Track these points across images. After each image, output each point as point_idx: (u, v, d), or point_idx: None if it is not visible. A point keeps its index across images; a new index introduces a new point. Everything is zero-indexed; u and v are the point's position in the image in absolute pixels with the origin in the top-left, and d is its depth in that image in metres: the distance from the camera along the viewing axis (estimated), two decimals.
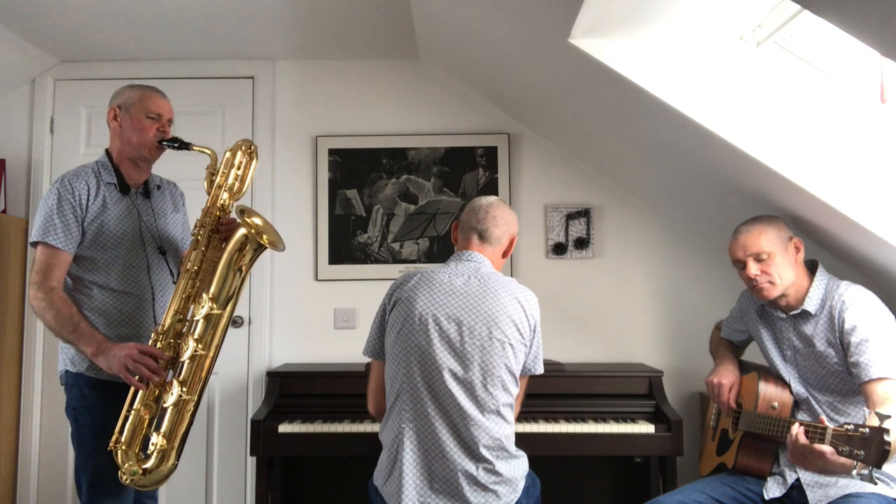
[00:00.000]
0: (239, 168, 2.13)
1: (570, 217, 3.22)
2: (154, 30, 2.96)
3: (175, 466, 1.96)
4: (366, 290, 3.19)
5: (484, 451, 1.82)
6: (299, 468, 3.01)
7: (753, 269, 1.99)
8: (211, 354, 1.98)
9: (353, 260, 3.24)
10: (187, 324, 1.99)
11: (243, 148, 2.14)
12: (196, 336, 1.95)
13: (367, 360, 2.04)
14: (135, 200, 2.16)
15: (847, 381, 1.93)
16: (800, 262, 2.03)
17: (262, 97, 3.29)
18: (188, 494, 3.15)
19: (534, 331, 1.96)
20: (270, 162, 3.26)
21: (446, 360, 1.84)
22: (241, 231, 1.99)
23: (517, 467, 1.90)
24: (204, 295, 1.96)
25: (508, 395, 1.89)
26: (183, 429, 1.95)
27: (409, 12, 2.77)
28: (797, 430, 1.65)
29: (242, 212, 2.03)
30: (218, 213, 2.07)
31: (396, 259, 3.23)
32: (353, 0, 2.71)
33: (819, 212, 2.16)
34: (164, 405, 1.92)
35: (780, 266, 1.98)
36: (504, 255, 2.07)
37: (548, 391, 2.70)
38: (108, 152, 2.19)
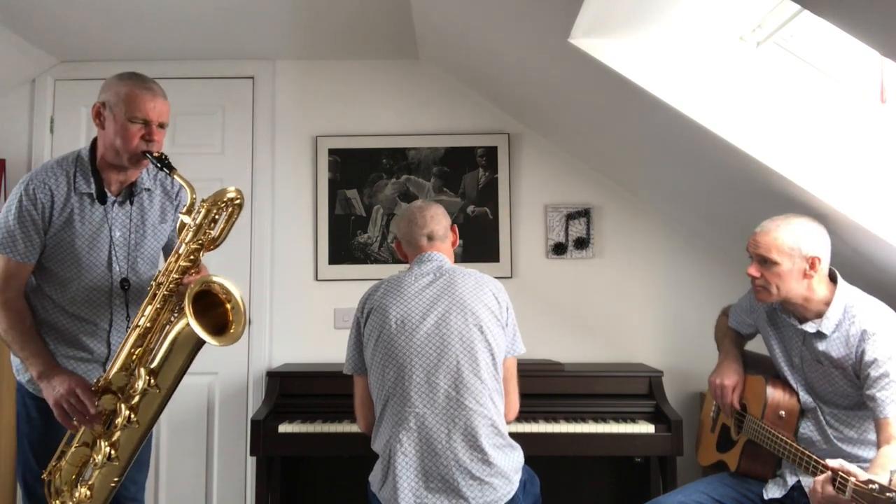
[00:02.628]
0: (215, 221, 1.78)
1: (570, 217, 3.22)
2: (154, 30, 2.96)
3: None
4: (366, 290, 3.18)
5: (480, 439, 1.83)
6: (299, 468, 3.01)
7: (752, 269, 1.93)
8: (143, 429, 1.78)
9: (353, 260, 3.24)
10: (129, 385, 1.76)
11: (225, 199, 1.76)
12: (133, 404, 1.75)
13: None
14: (110, 213, 1.89)
15: (852, 397, 1.89)
16: (812, 276, 1.89)
17: (262, 97, 3.28)
18: (188, 494, 3.14)
19: (507, 311, 2.00)
20: (270, 162, 3.26)
21: (430, 356, 1.87)
22: (183, 322, 1.70)
23: (512, 459, 1.90)
24: (142, 369, 1.73)
25: (496, 381, 1.91)
26: (107, 491, 1.80)
27: (409, 12, 2.77)
28: (822, 478, 1.53)
29: (197, 295, 1.72)
30: (178, 275, 1.78)
31: (396, 259, 3.23)
32: (353, 0, 2.72)
33: (819, 211, 2.16)
34: (92, 463, 1.77)
35: (781, 277, 1.88)
36: (453, 245, 2.13)
37: (548, 391, 2.70)
38: (93, 148, 1.90)
